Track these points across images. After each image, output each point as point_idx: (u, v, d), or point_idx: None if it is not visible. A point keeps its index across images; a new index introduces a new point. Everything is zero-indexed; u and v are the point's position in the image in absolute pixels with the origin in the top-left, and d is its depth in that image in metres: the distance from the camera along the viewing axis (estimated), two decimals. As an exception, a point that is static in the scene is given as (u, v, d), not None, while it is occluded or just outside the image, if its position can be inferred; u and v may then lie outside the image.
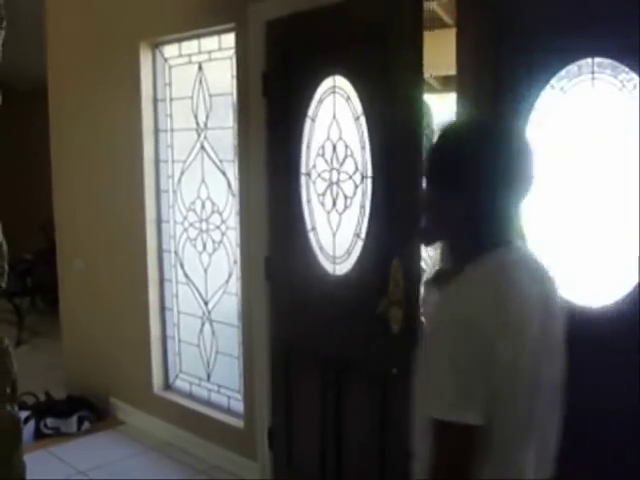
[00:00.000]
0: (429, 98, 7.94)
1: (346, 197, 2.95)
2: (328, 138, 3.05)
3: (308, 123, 3.12)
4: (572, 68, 2.19)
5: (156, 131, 4.12)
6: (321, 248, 3.06)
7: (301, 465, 3.26)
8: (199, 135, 3.96)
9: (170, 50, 4.03)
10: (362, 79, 2.84)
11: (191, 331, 4.17)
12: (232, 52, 3.57)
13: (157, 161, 4.14)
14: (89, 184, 4.50)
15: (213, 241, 3.96)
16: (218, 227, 3.90)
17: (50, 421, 4.25)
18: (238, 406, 3.83)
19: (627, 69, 2.06)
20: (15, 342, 5.35)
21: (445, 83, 7.12)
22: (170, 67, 4.06)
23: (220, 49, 3.77)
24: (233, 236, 3.79)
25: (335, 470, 3.04)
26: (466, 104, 2.46)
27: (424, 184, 1.57)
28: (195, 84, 3.93)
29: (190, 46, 3.93)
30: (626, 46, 2.01)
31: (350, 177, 2.93)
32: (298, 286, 3.17)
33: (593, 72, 2.14)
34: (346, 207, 2.95)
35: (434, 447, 1.39)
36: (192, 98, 3.95)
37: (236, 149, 3.64)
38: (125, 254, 4.29)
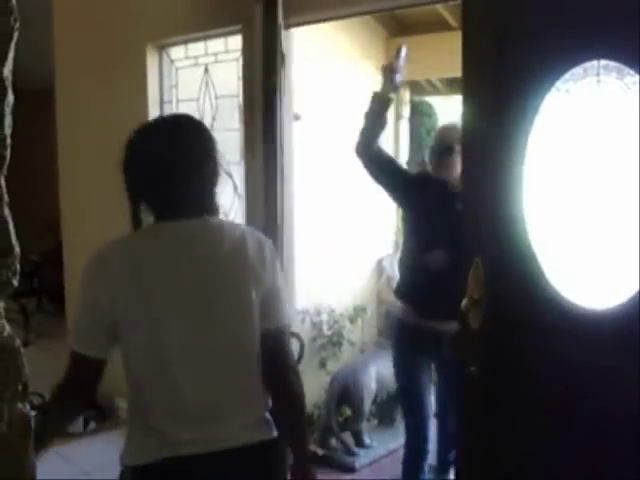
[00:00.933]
0: (434, 100, 8.00)
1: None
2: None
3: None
4: (577, 70, 2.19)
5: (162, 133, 4.13)
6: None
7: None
8: (205, 137, 3.97)
9: (176, 52, 4.06)
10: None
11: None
12: (238, 54, 3.58)
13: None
14: (96, 185, 4.51)
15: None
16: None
17: (56, 421, 4.26)
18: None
19: (632, 71, 2.06)
20: (22, 343, 5.34)
21: (450, 85, 7.12)
22: (176, 69, 4.08)
23: (227, 51, 3.79)
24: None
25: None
26: (471, 106, 2.47)
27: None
28: (201, 86, 3.95)
29: (196, 48, 3.95)
30: (632, 48, 2.01)
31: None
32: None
33: (598, 74, 2.14)
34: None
35: None
36: (198, 100, 3.97)
37: (242, 151, 3.65)
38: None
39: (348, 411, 5.09)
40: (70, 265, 4.78)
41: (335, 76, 5.81)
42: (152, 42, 3.96)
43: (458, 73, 2.54)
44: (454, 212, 3.25)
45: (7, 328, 0.90)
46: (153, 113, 4.01)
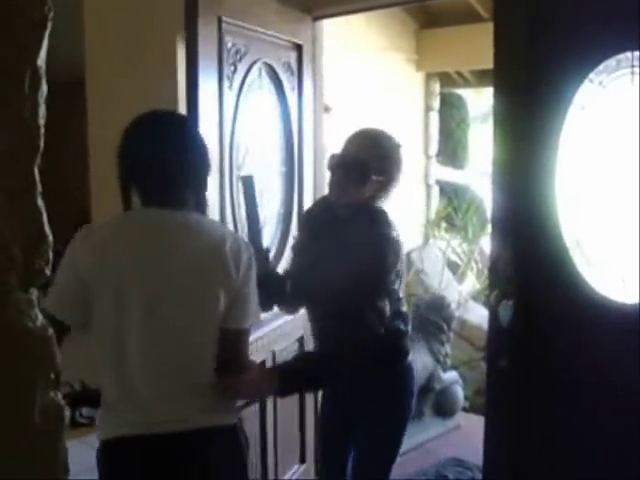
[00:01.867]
0: (465, 92, 7.95)
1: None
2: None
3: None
4: (610, 62, 2.16)
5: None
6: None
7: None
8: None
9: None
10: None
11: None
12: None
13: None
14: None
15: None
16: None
17: (85, 410, 4.30)
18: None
19: (667, 63, 2.03)
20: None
21: (481, 77, 7.08)
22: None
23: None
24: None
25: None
26: (502, 98, 2.45)
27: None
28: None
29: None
30: (667, 40, 1.99)
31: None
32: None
33: (632, 66, 2.11)
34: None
35: None
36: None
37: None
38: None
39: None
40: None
41: (365, 68, 5.79)
42: (182, 32, 3.96)
43: (489, 65, 2.52)
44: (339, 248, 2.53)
45: (40, 317, 0.91)
46: (183, 104, 4.02)
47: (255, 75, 3.25)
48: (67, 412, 0.96)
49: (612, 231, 2.20)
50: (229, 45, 3.01)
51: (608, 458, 2.20)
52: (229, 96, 3.03)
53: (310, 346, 3.06)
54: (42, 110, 0.88)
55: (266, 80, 3.36)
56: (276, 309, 2.91)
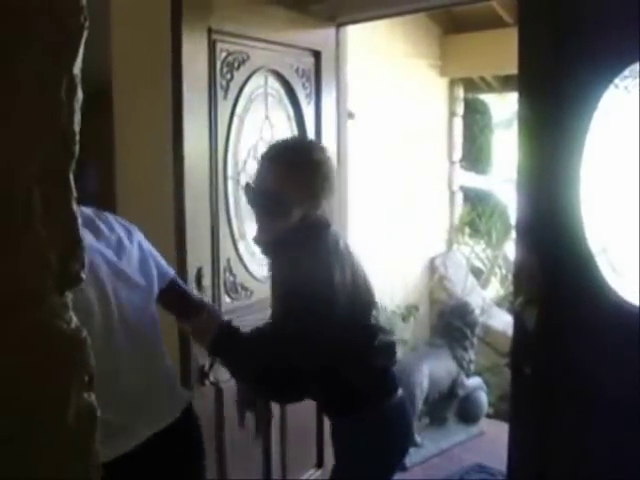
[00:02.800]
0: (488, 98, 7.92)
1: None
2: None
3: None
4: (635, 67, 2.16)
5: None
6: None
7: None
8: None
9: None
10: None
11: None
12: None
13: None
14: (152, 182, 4.56)
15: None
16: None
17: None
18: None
19: (694, 68, 2.03)
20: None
21: (505, 83, 7.06)
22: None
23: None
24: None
25: None
26: (527, 103, 2.45)
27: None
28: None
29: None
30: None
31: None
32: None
33: (658, 71, 2.11)
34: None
35: None
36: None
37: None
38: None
39: (399, 409, 5.08)
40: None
41: (389, 74, 5.80)
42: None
43: (512, 70, 2.53)
44: None
45: (74, 320, 0.93)
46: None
47: (259, 83, 3.27)
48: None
49: (638, 237, 2.19)
50: (223, 54, 3.03)
51: (634, 466, 2.19)
52: (224, 105, 3.05)
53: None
54: (77, 117, 0.90)
55: (275, 87, 3.38)
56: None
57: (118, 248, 2.02)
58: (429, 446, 4.93)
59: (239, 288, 3.18)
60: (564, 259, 2.35)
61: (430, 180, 6.42)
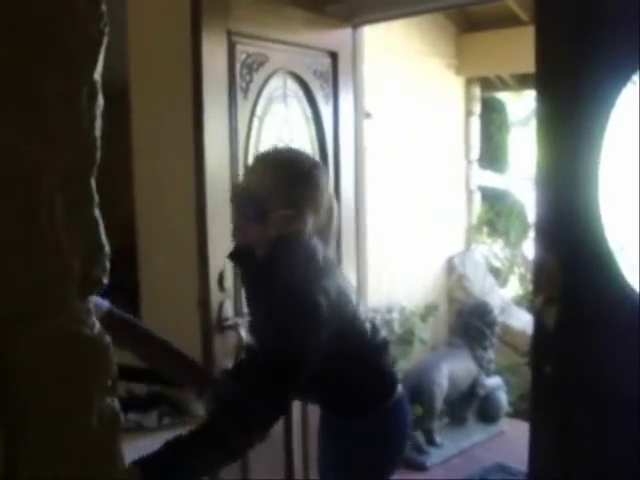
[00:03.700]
0: (505, 96, 7.89)
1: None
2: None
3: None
4: (654, 64, 2.15)
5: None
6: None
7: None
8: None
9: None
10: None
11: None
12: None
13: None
14: (171, 183, 4.58)
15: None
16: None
17: (131, 416, 4.35)
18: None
19: None
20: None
21: (522, 81, 7.03)
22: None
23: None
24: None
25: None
26: (544, 101, 2.44)
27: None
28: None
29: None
30: None
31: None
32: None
33: (677, 68, 2.09)
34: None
35: None
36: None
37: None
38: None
39: (419, 409, 5.07)
40: (145, 263, 4.87)
41: (405, 73, 5.80)
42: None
43: (529, 69, 2.52)
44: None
45: (97, 325, 0.94)
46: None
47: (278, 84, 3.29)
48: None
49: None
50: (242, 56, 3.04)
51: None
52: (244, 106, 3.07)
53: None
54: (98, 123, 0.91)
55: (293, 88, 3.39)
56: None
57: None
58: (449, 446, 4.92)
59: (260, 290, 3.18)
60: (583, 257, 2.34)
61: (447, 179, 6.40)
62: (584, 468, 2.41)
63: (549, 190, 2.43)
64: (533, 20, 2.51)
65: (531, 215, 3.22)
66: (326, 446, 2.39)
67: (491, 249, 6.75)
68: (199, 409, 2.49)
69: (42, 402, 0.91)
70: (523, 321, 5.84)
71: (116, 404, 0.96)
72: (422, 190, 5.96)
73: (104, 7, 0.87)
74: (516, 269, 6.82)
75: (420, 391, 4.86)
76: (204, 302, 2.99)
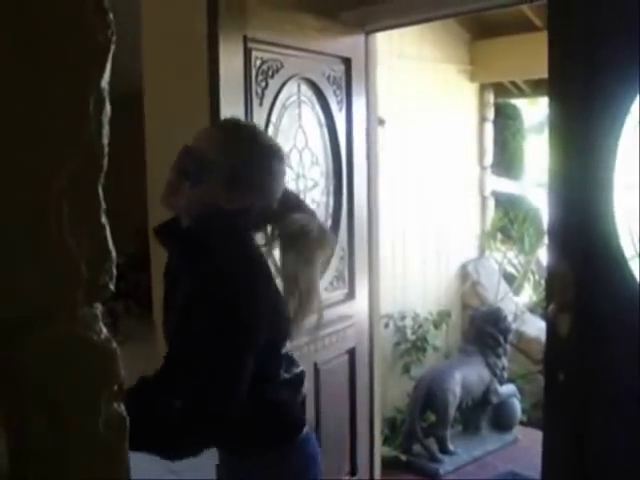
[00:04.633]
0: (520, 102, 7.87)
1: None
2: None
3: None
4: (669, 70, 2.13)
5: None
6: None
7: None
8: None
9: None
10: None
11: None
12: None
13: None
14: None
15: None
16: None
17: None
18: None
19: None
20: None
21: (536, 87, 7.01)
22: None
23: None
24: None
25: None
26: (558, 108, 2.43)
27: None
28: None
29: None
30: None
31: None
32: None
33: (692, 74, 2.08)
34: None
35: None
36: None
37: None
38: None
39: (432, 417, 5.06)
40: (157, 269, 4.87)
41: (418, 80, 5.80)
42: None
43: (544, 75, 2.51)
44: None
45: (104, 331, 0.94)
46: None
47: (292, 90, 3.29)
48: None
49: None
50: (258, 62, 3.05)
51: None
52: (260, 113, 3.07)
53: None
54: (106, 130, 0.91)
55: (307, 95, 3.40)
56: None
57: None
58: (462, 454, 4.90)
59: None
60: (597, 264, 2.32)
61: (461, 186, 6.39)
62: (598, 476, 2.40)
63: (562, 197, 2.42)
64: (547, 26, 2.50)
65: (546, 222, 3.21)
66: None
67: (505, 256, 6.72)
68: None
69: (49, 407, 0.91)
70: (537, 328, 5.81)
71: (123, 410, 0.96)
72: (436, 196, 5.96)
73: (111, 15, 0.88)
74: (530, 276, 6.79)
75: (433, 399, 4.86)
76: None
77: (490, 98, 6.74)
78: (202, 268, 1.79)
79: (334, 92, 3.51)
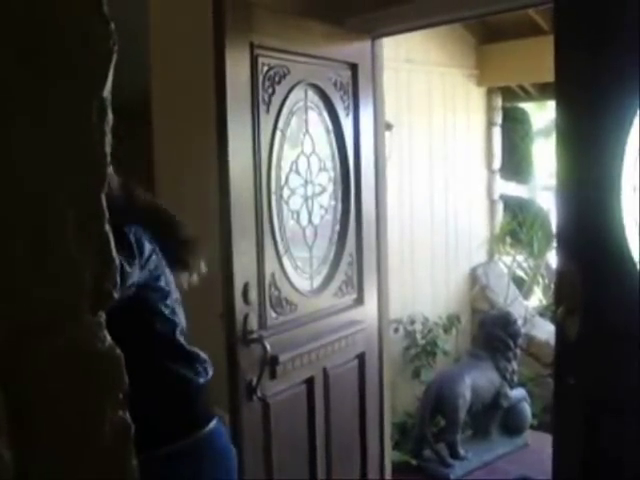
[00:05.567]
0: (528, 106, 7.86)
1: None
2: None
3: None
4: (676, 71, 2.13)
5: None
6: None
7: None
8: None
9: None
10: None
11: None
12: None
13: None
14: (195, 196, 4.59)
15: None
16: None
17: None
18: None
19: None
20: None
21: (544, 90, 7.00)
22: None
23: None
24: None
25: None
26: (564, 110, 2.43)
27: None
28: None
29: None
30: None
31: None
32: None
33: (699, 75, 2.08)
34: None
35: None
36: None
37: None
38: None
39: (442, 421, 5.04)
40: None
41: (425, 84, 5.80)
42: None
43: (551, 78, 2.50)
44: None
45: (108, 338, 0.94)
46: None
47: (299, 96, 3.29)
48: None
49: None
50: (265, 69, 3.05)
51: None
52: (267, 119, 3.07)
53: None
54: (108, 139, 0.92)
55: (314, 100, 3.40)
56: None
57: None
58: (473, 459, 4.88)
59: (284, 302, 3.18)
60: (606, 267, 2.32)
61: (470, 190, 6.39)
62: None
63: (570, 200, 2.41)
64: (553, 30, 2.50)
65: (555, 225, 3.21)
66: None
67: (514, 259, 6.71)
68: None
69: (54, 415, 0.91)
70: (547, 332, 5.80)
71: (127, 417, 0.96)
72: (444, 201, 5.95)
73: (113, 25, 0.88)
74: (540, 280, 6.78)
75: (443, 403, 4.85)
76: (227, 313, 2.99)
77: (498, 102, 6.73)
78: None
79: (341, 97, 3.51)
